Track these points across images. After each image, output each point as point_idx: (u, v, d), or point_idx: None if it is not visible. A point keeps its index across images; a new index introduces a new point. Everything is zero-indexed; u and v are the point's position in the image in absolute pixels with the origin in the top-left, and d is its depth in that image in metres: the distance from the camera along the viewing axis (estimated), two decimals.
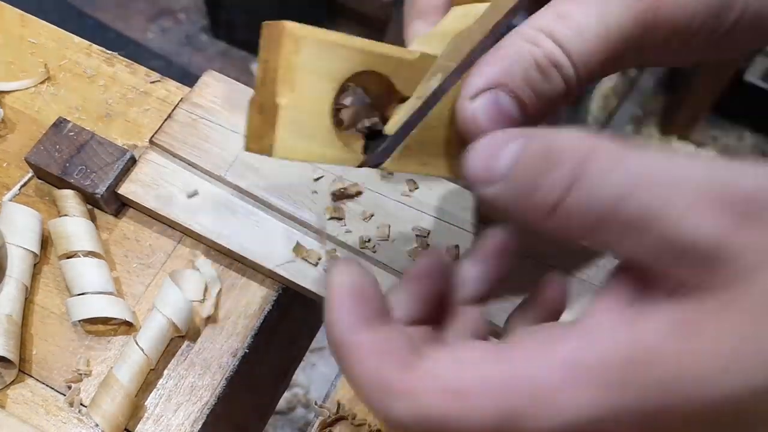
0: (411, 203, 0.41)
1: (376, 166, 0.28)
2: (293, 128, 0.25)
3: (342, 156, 0.26)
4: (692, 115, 1.49)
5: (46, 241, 0.41)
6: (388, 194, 0.41)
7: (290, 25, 0.25)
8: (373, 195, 0.41)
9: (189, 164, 0.42)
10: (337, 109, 0.27)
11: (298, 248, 0.40)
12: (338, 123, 0.27)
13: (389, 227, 0.40)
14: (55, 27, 0.48)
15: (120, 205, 0.43)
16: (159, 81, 0.47)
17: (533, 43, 0.26)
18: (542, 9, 0.27)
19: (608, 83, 1.71)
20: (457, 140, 0.27)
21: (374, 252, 0.39)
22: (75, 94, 0.46)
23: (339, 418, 0.38)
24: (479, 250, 0.28)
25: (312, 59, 0.25)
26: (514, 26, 0.28)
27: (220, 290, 0.40)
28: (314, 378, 1.38)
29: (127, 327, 0.39)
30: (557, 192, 0.22)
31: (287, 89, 0.24)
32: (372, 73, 0.26)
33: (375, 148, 0.27)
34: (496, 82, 0.26)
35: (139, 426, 0.37)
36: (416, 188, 0.41)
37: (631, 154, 0.22)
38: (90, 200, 0.42)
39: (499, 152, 0.24)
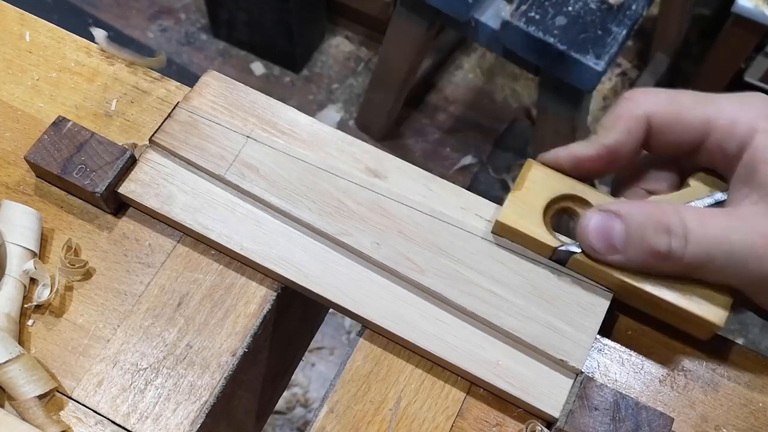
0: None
1: (558, 261, 0.39)
2: (514, 207, 0.39)
3: (541, 236, 0.39)
4: None
5: (45, 240, 0.41)
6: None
7: (533, 160, 0.40)
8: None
9: (189, 164, 0.42)
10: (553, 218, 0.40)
11: None
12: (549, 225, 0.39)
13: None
14: (55, 26, 0.48)
15: (120, 205, 0.43)
16: (159, 80, 0.47)
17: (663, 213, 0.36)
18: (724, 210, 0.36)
19: (608, 84, 1.71)
20: None
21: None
22: (75, 93, 0.46)
23: None
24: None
25: (536, 175, 0.40)
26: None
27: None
28: (313, 378, 1.38)
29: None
30: (676, 249, 0.35)
31: (517, 188, 0.40)
32: (575, 197, 0.40)
33: (565, 249, 0.39)
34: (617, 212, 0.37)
35: (137, 425, 0.37)
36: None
37: (711, 221, 0.34)
38: (90, 199, 0.42)
39: (611, 232, 0.36)
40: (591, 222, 0.37)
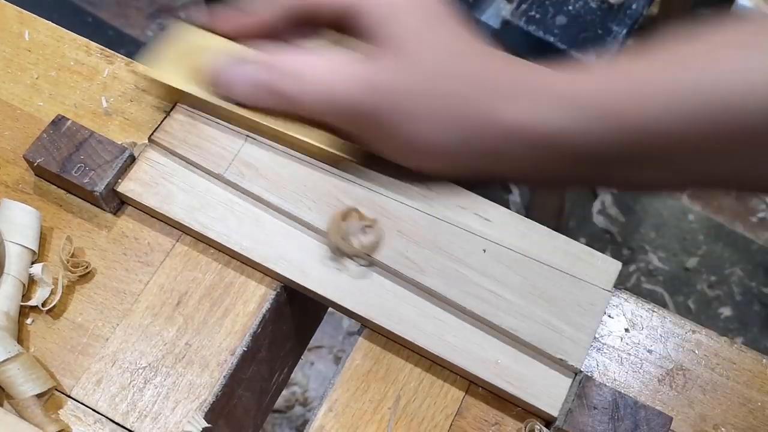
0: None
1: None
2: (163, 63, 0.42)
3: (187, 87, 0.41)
4: None
5: (44, 239, 0.41)
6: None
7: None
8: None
9: (188, 162, 0.42)
10: None
11: None
12: None
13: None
14: (54, 24, 0.48)
15: (119, 204, 0.43)
16: None
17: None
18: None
19: None
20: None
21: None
22: (74, 92, 0.46)
23: None
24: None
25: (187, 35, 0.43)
26: None
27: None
28: (312, 376, 1.38)
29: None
30: (298, 93, 0.38)
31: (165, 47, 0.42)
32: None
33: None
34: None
35: (136, 424, 0.37)
36: None
37: (330, 68, 0.37)
38: (89, 198, 0.42)
39: (250, 78, 0.39)
40: (231, 68, 0.40)
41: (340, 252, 0.39)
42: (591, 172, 0.36)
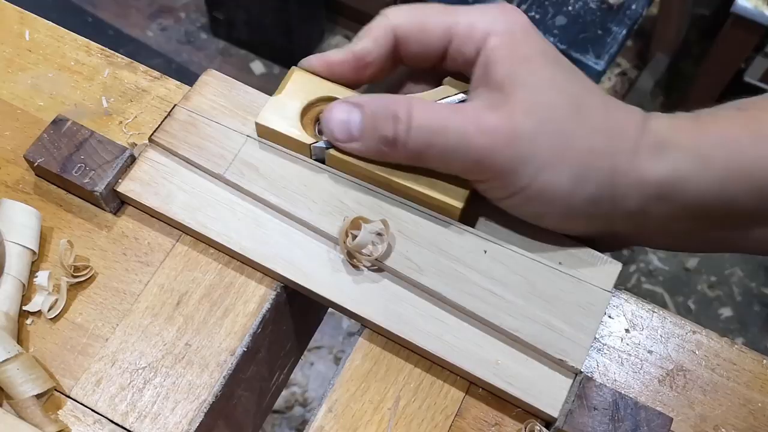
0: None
1: (318, 159, 0.41)
2: (273, 110, 0.41)
3: (296, 135, 0.41)
4: None
5: (44, 239, 0.41)
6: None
7: (296, 67, 0.42)
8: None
9: (188, 162, 0.42)
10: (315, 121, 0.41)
11: None
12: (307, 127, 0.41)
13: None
14: (55, 24, 0.48)
15: (119, 204, 0.43)
16: (158, 79, 0.47)
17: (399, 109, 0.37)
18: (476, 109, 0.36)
19: (607, 84, 1.71)
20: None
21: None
22: (74, 92, 0.46)
23: None
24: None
25: (297, 80, 0.42)
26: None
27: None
28: (312, 377, 1.38)
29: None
30: (400, 135, 0.36)
31: (278, 92, 0.41)
32: (331, 98, 0.41)
33: (318, 145, 0.41)
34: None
35: (136, 424, 0.37)
36: None
37: (435, 111, 0.36)
38: (89, 198, 0.42)
39: (349, 122, 0.38)
40: (332, 112, 0.38)
41: (354, 264, 0.39)
42: (723, 233, 0.36)
